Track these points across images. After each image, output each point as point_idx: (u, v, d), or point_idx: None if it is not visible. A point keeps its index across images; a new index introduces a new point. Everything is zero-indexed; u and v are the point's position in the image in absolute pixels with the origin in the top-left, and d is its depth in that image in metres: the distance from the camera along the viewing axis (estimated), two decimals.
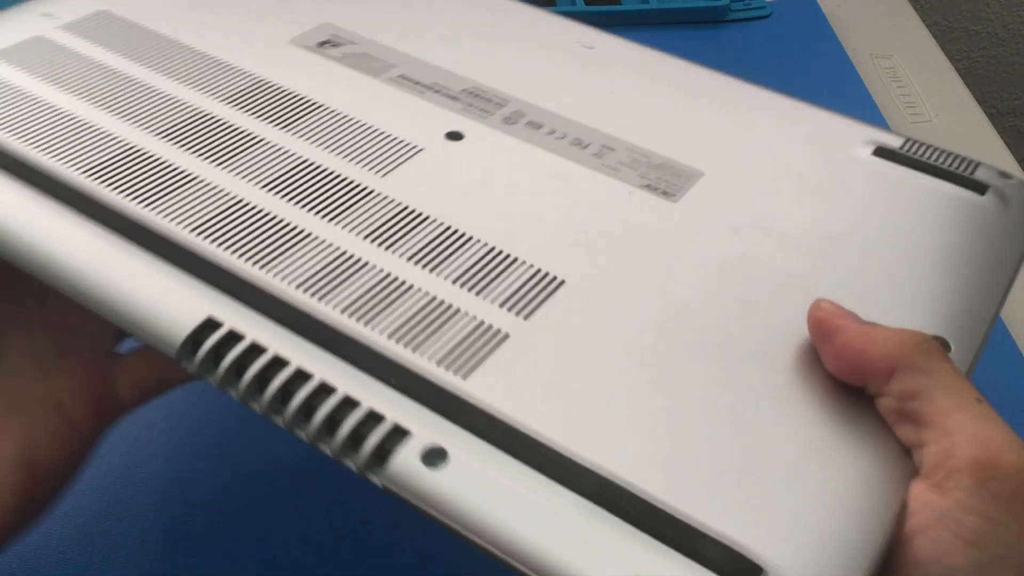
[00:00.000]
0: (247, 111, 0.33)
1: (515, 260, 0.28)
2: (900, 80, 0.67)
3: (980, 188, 0.33)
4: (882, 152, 0.34)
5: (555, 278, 0.27)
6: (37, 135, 0.31)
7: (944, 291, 0.28)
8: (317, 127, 0.32)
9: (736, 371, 0.25)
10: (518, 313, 0.26)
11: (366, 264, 0.27)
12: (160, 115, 0.32)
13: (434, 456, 0.22)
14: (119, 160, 0.30)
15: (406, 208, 0.29)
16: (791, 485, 0.22)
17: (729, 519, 0.21)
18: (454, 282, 0.27)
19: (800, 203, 0.31)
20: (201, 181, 0.29)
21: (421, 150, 0.32)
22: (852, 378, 0.24)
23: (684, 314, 0.26)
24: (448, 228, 0.29)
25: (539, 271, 0.27)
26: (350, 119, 0.33)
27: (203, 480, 0.39)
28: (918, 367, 0.23)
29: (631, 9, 0.70)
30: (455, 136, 0.33)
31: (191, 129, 0.32)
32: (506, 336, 0.25)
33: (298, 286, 0.26)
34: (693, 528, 0.20)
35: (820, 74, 0.67)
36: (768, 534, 0.21)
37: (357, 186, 0.30)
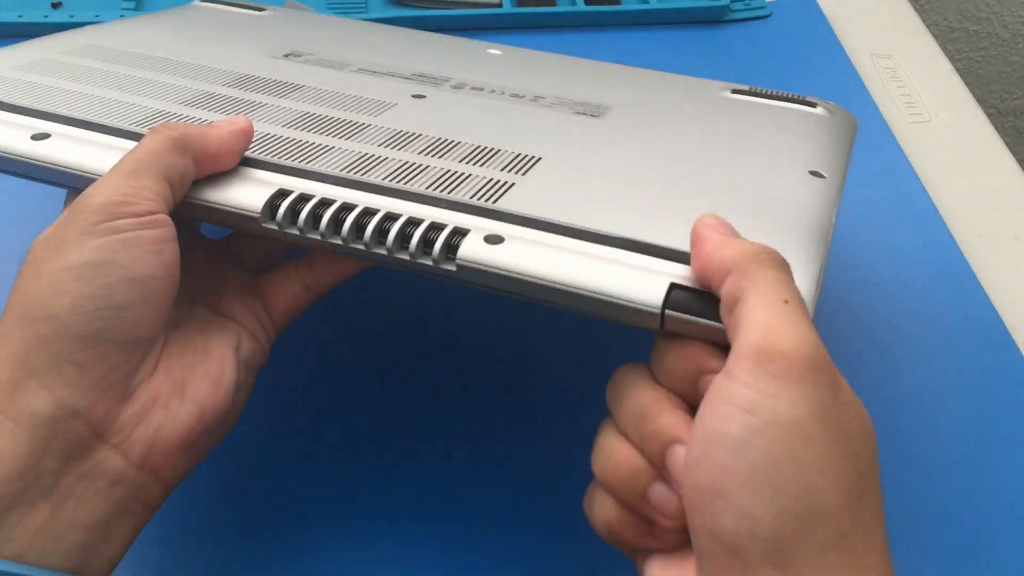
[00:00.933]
0: (246, 90, 0.39)
1: (499, 151, 0.35)
2: (900, 80, 0.67)
3: (811, 104, 0.44)
4: (737, 91, 0.46)
5: (533, 156, 0.35)
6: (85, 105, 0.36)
7: (795, 172, 0.36)
8: (307, 97, 0.39)
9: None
10: (516, 172, 0.33)
11: (386, 159, 0.34)
12: (175, 95, 0.38)
13: (494, 239, 0.29)
14: (158, 118, 0.36)
15: (402, 131, 0.36)
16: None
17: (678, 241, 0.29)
18: (460, 161, 0.34)
19: (686, 126, 0.40)
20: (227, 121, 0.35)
21: (395, 104, 0.39)
22: (700, 281, 0.27)
23: (624, 171, 0.35)
24: (439, 138, 0.36)
25: (519, 154, 0.35)
26: (330, 91, 0.40)
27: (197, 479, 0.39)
28: (745, 272, 0.25)
29: (631, 9, 0.70)
30: (419, 96, 0.40)
31: (207, 102, 0.38)
32: (512, 184, 0.32)
33: (341, 170, 0.32)
34: (676, 250, 0.29)
35: (820, 74, 0.67)
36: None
37: (356, 123, 0.37)
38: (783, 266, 0.26)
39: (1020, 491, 0.41)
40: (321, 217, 0.30)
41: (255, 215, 0.31)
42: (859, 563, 0.24)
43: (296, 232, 0.31)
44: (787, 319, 0.24)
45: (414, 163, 0.33)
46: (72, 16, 0.63)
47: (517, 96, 0.41)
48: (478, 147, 0.35)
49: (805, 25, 0.71)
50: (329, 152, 0.34)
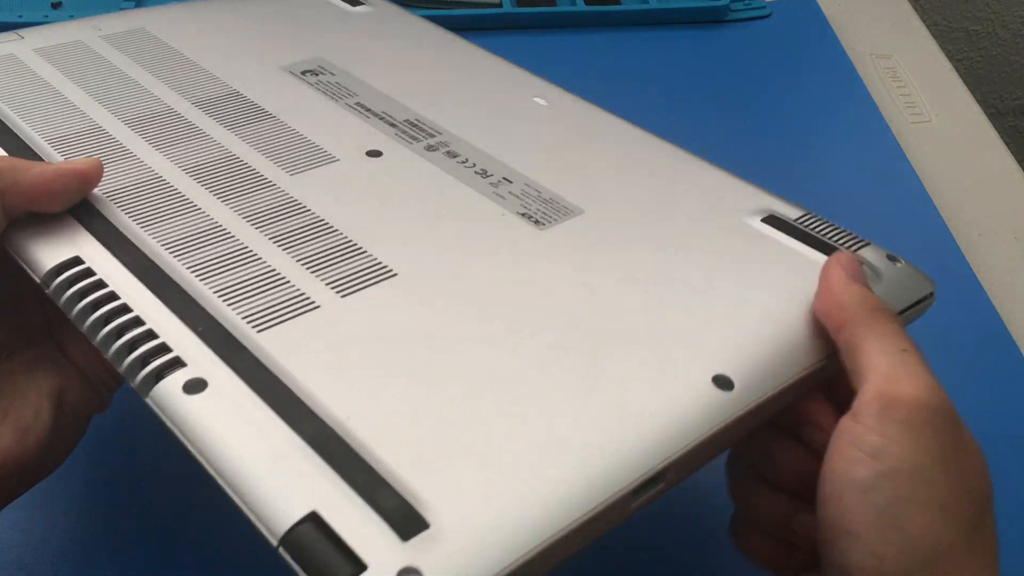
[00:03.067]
0: (209, 113, 0.38)
1: (362, 251, 0.31)
2: (900, 80, 0.67)
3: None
4: (772, 220, 0.34)
5: (389, 270, 0.30)
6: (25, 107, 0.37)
7: (748, 341, 0.29)
8: (259, 132, 0.37)
9: (497, 368, 0.27)
10: (337, 291, 0.29)
11: (227, 237, 0.31)
12: (134, 106, 0.38)
13: (195, 385, 0.25)
14: (77, 135, 0.35)
15: (293, 200, 0.33)
16: (498, 463, 0.24)
17: (424, 479, 0.23)
18: (298, 259, 0.30)
19: (668, 252, 0.32)
20: (131, 155, 0.35)
21: (337, 160, 0.35)
22: (821, 316, 0.29)
23: (484, 323, 0.28)
24: (319, 220, 0.32)
25: (378, 263, 0.30)
26: (290, 129, 0.37)
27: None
28: (864, 322, 0.27)
29: (631, 9, 0.70)
30: (374, 154, 0.36)
31: (153, 121, 0.37)
32: (315, 307, 0.28)
33: (165, 244, 0.30)
34: (380, 478, 0.23)
35: (820, 74, 0.67)
36: (453, 497, 0.23)
37: (260, 180, 0.34)
38: (898, 319, 0.28)
39: (1020, 491, 0.41)
40: (76, 304, 0.28)
41: (38, 277, 0.29)
42: None
43: (62, 306, 0.29)
44: (907, 367, 0.26)
45: (245, 250, 0.30)
46: (72, 16, 0.63)
47: (482, 174, 0.35)
48: (346, 242, 0.31)
49: (805, 25, 0.71)
50: (182, 215, 0.32)
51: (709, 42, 0.69)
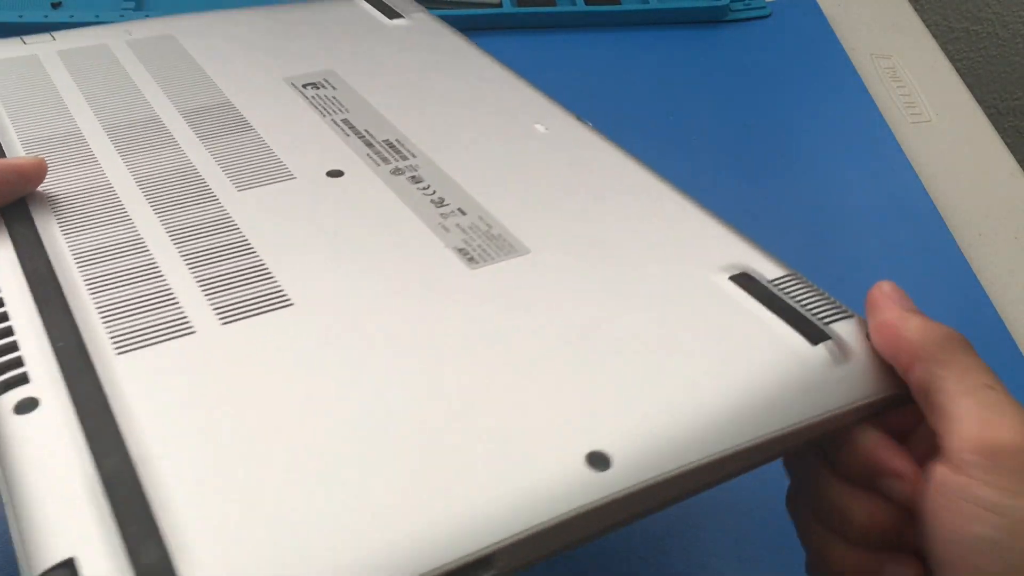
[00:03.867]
0: (190, 122, 0.37)
1: (269, 276, 0.29)
2: (900, 80, 0.67)
3: (816, 338, 0.28)
4: (742, 279, 0.30)
5: (287, 299, 0.28)
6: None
7: (652, 415, 0.25)
8: (229, 144, 0.36)
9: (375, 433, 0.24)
10: (221, 318, 0.27)
11: (144, 249, 0.30)
12: (121, 113, 0.38)
13: (26, 405, 0.24)
14: (52, 138, 0.36)
15: (225, 217, 0.32)
16: (291, 534, 0.22)
17: (204, 539, 0.21)
18: (199, 281, 0.29)
19: (599, 306, 0.29)
20: (93, 160, 0.35)
21: (293, 178, 0.34)
22: (884, 354, 0.27)
23: (357, 367, 0.26)
24: (241, 239, 0.31)
25: (278, 290, 0.28)
26: (262, 143, 0.36)
27: None
28: (936, 359, 0.26)
29: (631, 9, 0.70)
30: (335, 174, 0.35)
31: (132, 128, 0.37)
32: (192, 332, 0.27)
33: (76, 253, 0.30)
34: (155, 530, 0.21)
35: (820, 74, 0.67)
36: (224, 562, 0.21)
37: (208, 193, 0.33)
38: (971, 347, 0.26)
39: None
40: None
41: None
42: None
43: None
44: (999, 407, 0.24)
45: (150, 266, 0.29)
46: (72, 16, 0.63)
47: (437, 202, 0.33)
48: (256, 266, 0.29)
49: (805, 25, 0.71)
50: (109, 225, 0.31)
51: (709, 42, 0.69)
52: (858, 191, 0.56)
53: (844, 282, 0.50)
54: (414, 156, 0.36)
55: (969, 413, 0.24)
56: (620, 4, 0.70)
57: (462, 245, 0.31)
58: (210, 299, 0.28)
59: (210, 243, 0.31)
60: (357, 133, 0.37)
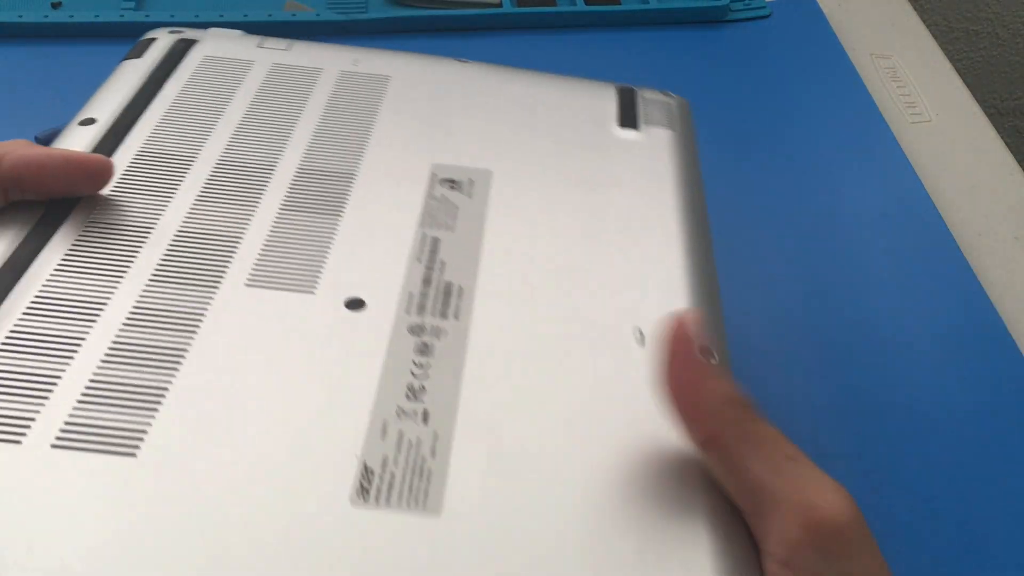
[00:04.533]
0: (293, 181, 0.34)
1: (156, 406, 0.25)
2: (900, 80, 0.67)
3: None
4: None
5: (129, 445, 0.25)
6: None
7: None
8: (297, 226, 0.32)
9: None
10: (60, 437, 0.24)
11: (91, 318, 0.27)
12: (244, 148, 0.35)
13: None
14: (159, 153, 0.34)
15: (199, 314, 0.28)
16: None
17: None
18: (93, 382, 0.26)
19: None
20: (159, 192, 0.32)
21: (310, 293, 0.30)
22: (674, 413, 0.25)
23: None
24: (181, 348, 0.27)
25: (132, 429, 0.25)
26: (325, 237, 0.32)
27: None
28: (737, 434, 0.23)
29: (631, 9, 0.70)
30: (355, 304, 0.29)
31: (233, 168, 0.34)
32: (18, 443, 0.24)
33: (43, 285, 0.28)
34: None
35: (820, 74, 0.67)
36: None
37: (216, 277, 0.30)
38: (761, 412, 0.24)
39: (1020, 491, 0.41)
40: None
41: None
42: None
43: None
44: (810, 480, 0.23)
45: (73, 341, 0.27)
46: (72, 16, 0.63)
47: (413, 393, 0.27)
48: (157, 387, 0.26)
49: (805, 25, 0.71)
50: (95, 270, 0.29)
51: (709, 42, 0.69)
52: (858, 191, 0.56)
53: (844, 282, 0.50)
54: (455, 318, 0.30)
55: (787, 498, 0.22)
56: (620, 4, 0.70)
57: (375, 466, 0.25)
58: (76, 408, 0.25)
59: (155, 341, 0.27)
60: (431, 261, 0.31)
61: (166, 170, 0.33)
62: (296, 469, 0.24)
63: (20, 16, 0.63)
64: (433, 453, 0.25)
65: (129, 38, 0.64)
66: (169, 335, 0.27)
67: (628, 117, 0.40)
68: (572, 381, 0.28)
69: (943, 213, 0.55)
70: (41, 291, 0.28)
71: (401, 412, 0.26)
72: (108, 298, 0.28)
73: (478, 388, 0.27)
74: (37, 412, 0.24)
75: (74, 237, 0.30)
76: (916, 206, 0.56)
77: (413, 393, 0.27)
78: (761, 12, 0.72)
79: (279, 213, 0.33)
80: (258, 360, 0.27)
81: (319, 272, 0.30)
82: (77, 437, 0.24)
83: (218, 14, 0.65)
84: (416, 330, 0.29)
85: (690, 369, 0.24)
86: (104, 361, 0.26)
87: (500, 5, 0.68)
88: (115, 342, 0.27)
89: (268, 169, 0.34)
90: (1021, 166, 0.61)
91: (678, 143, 0.39)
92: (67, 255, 0.29)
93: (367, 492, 0.24)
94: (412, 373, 0.28)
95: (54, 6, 0.65)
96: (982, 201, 0.57)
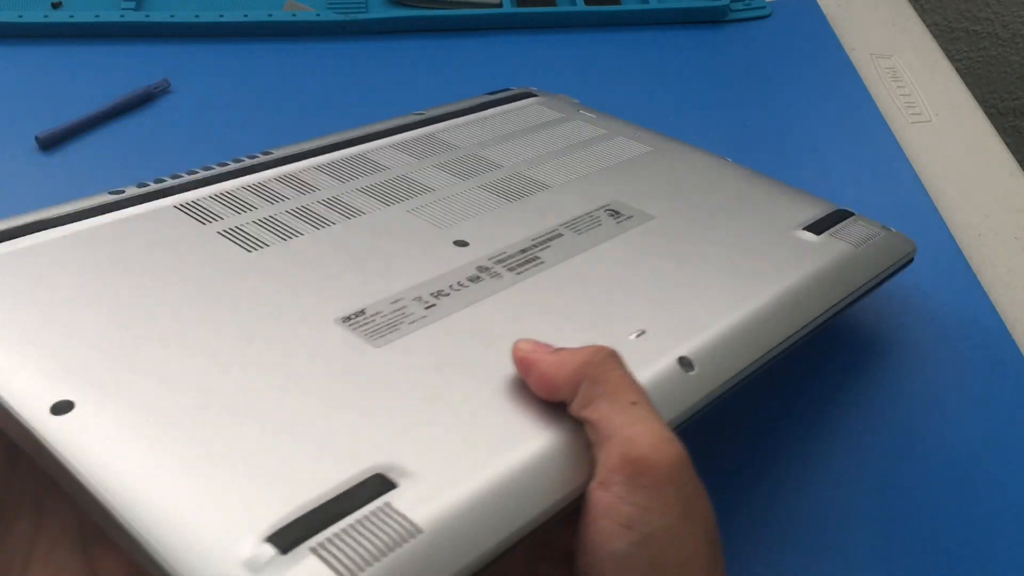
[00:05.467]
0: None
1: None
2: (900, 80, 0.67)
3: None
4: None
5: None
6: None
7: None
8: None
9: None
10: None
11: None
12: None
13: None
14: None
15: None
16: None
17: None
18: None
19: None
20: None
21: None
22: (555, 399, 0.28)
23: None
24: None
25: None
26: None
27: None
28: (593, 378, 0.27)
29: (631, 9, 0.70)
30: (460, 243, 0.37)
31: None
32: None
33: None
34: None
35: (820, 74, 0.67)
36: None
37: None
38: (619, 361, 0.28)
39: (1020, 491, 0.41)
40: None
41: None
42: None
43: None
44: (643, 424, 0.26)
45: None
46: (72, 16, 0.63)
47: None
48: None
49: (805, 25, 0.71)
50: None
51: (709, 42, 0.69)
52: (858, 191, 0.56)
53: None
54: (515, 274, 0.36)
55: (617, 432, 0.26)
56: (620, 4, 0.70)
57: (368, 310, 0.32)
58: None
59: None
60: (543, 244, 0.38)
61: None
62: (317, 297, 0.32)
63: (20, 16, 0.63)
64: (412, 323, 0.32)
65: (129, 38, 0.64)
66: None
67: (817, 225, 0.42)
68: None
69: (943, 213, 0.55)
70: None
71: (418, 298, 0.33)
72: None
73: (482, 314, 0.33)
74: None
75: None
76: (916, 206, 0.56)
77: (437, 295, 0.34)
78: (761, 12, 0.72)
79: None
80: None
81: (467, 223, 0.38)
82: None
83: (218, 14, 0.65)
84: (482, 269, 0.35)
85: (541, 362, 0.29)
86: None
87: (500, 5, 0.68)
88: None
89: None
90: (1021, 166, 0.61)
91: (847, 257, 0.40)
92: None
93: (349, 319, 0.32)
94: (450, 286, 0.34)
95: (54, 6, 0.65)
96: (982, 201, 0.57)
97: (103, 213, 0.36)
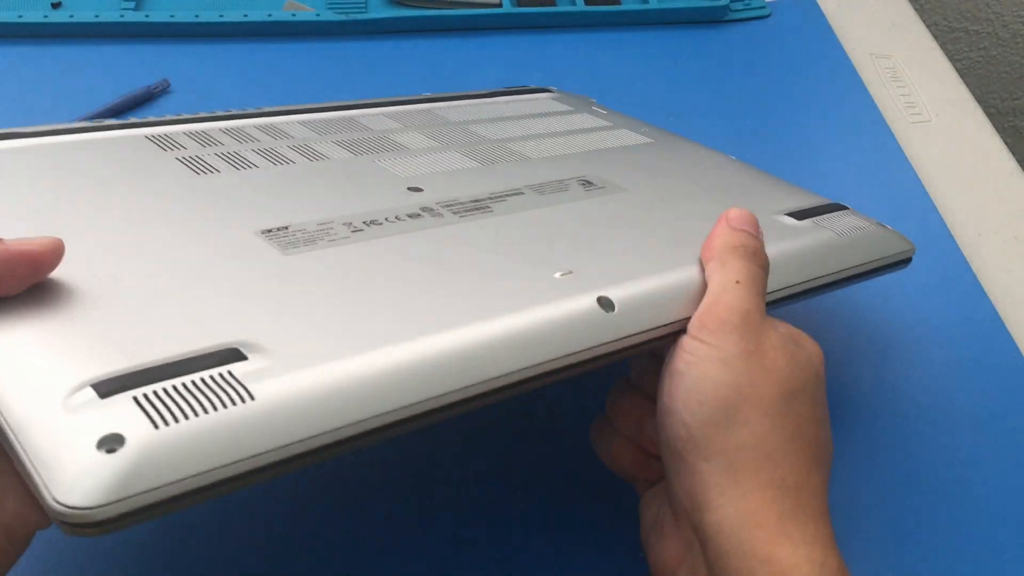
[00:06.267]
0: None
1: None
2: (900, 80, 0.67)
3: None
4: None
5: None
6: None
7: None
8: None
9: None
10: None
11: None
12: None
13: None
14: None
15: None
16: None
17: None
18: None
19: None
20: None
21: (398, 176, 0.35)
22: (703, 258, 0.34)
23: None
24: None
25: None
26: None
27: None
28: (721, 260, 0.33)
29: (631, 9, 0.70)
30: (414, 189, 0.37)
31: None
32: None
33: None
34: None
35: (820, 74, 0.67)
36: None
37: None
38: (752, 256, 0.33)
39: (1020, 490, 0.41)
40: None
41: None
42: (773, 461, 0.30)
43: None
44: (733, 294, 0.32)
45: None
46: (72, 16, 0.63)
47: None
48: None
49: (805, 25, 0.71)
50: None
51: (709, 42, 0.69)
52: (858, 191, 0.56)
53: None
54: (457, 217, 0.36)
55: (711, 295, 0.32)
56: (620, 4, 0.70)
57: (289, 226, 0.33)
58: None
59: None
60: (488, 199, 0.38)
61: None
62: (248, 212, 0.34)
63: (20, 16, 0.63)
64: (331, 242, 0.32)
65: (129, 38, 0.64)
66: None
67: (802, 213, 0.41)
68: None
69: (943, 213, 0.55)
70: None
71: (348, 224, 0.34)
72: None
73: (406, 243, 0.33)
74: None
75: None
76: (916, 206, 0.56)
77: (369, 223, 0.34)
78: (761, 12, 0.72)
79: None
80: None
81: (429, 176, 0.39)
82: None
83: (218, 14, 0.65)
84: (426, 209, 0.36)
85: (715, 228, 0.35)
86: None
87: (500, 5, 0.68)
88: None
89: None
90: (1021, 166, 0.61)
91: (826, 243, 0.39)
92: None
93: (271, 231, 0.33)
94: (386, 219, 0.34)
95: (54, 6, 0.65)
96: (982, 201, 0.57)
97: (77, 133, 0.38)
